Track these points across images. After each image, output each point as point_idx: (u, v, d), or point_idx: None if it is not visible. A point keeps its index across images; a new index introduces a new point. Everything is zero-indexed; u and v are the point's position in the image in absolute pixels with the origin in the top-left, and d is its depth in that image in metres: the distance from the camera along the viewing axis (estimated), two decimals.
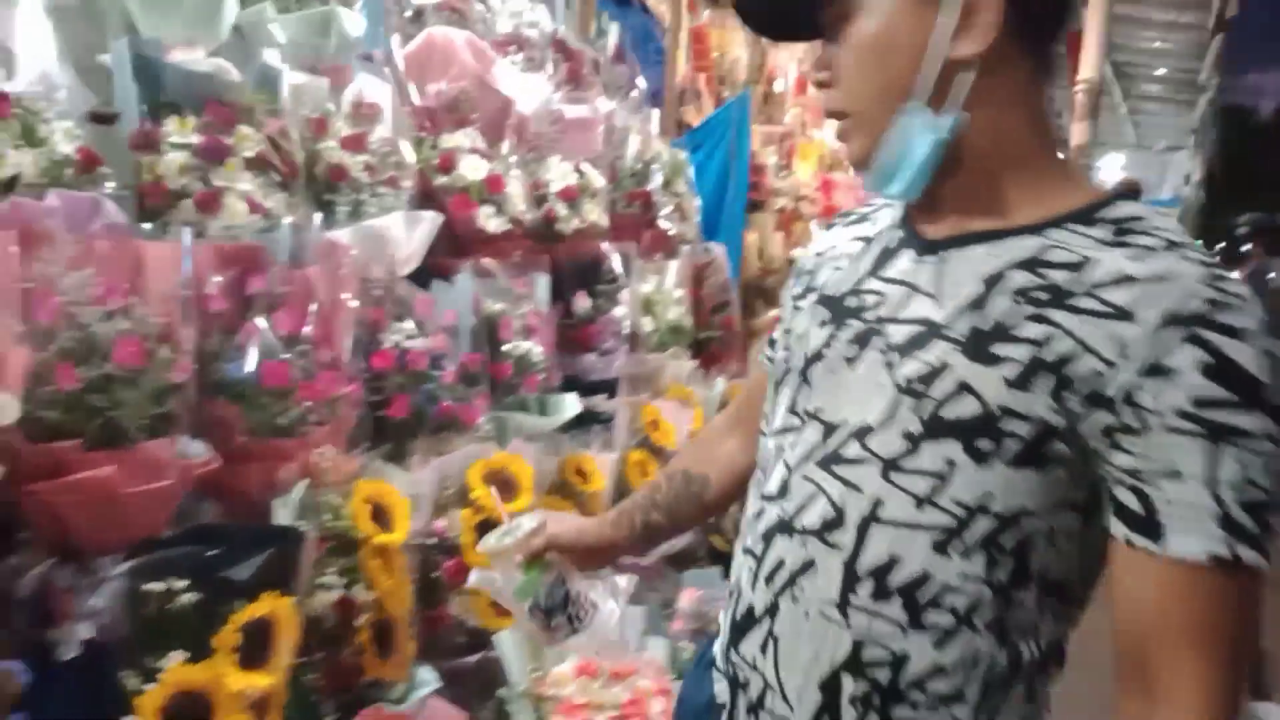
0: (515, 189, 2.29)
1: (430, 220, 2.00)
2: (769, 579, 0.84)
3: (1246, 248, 6.26)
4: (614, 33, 3.24)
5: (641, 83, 3.15)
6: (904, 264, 0.81)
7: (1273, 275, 5.58)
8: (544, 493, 2.10)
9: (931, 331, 0.76)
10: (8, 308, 1.29)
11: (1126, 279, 0.68)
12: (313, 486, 1.56)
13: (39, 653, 1.26)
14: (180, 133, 1.61)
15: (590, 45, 3.09)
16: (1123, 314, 0.68)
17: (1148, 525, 0.68)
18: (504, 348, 2.16)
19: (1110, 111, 12.17)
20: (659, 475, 1.18)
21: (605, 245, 2.60)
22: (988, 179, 0.77)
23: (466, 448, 1.91)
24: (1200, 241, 0.72)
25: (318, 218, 1.74)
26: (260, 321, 1.55)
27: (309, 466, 1.58)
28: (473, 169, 2.20)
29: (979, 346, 0.73)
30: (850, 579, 0.78)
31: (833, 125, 0.87)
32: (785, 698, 0.82)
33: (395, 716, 1.48)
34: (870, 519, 0.77)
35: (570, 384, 2.38)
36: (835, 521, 0.79)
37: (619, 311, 2.57)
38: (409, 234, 1.95)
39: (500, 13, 2.62)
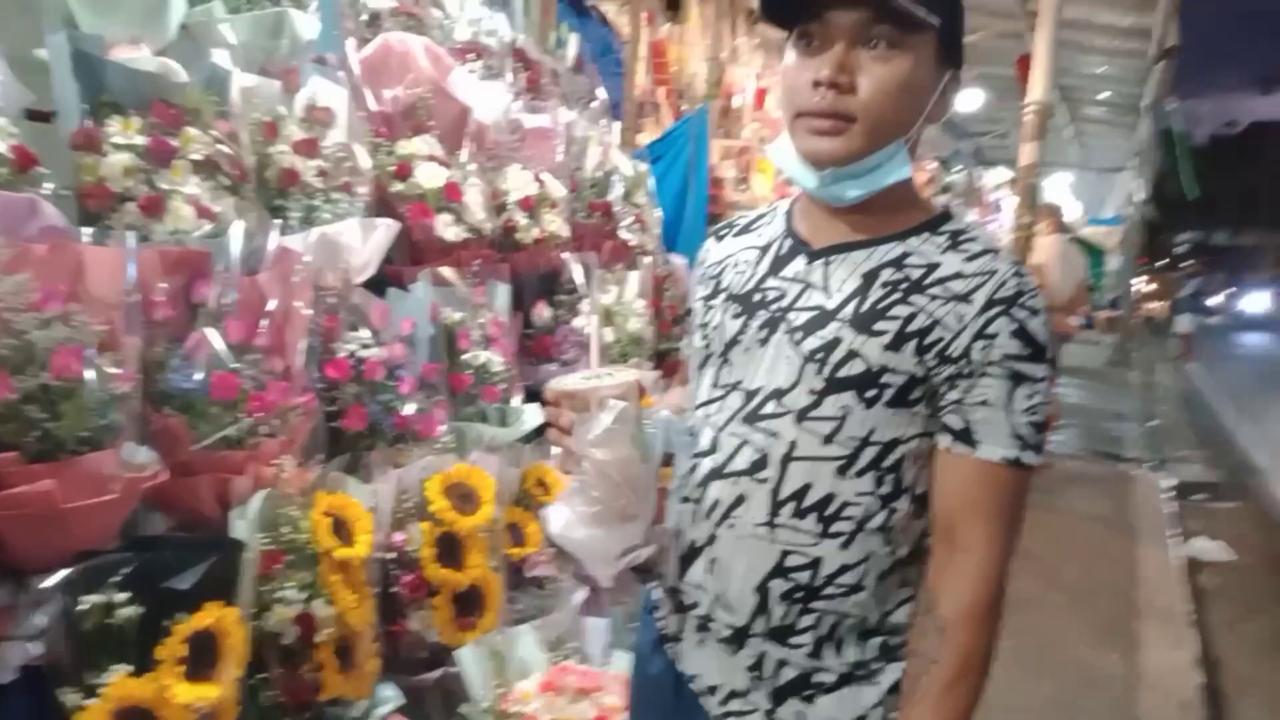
0: (474, 197, 2.25)
1: (386, 227, 1.95)
2: (707, 515, 1.03)
3: (1186, 264, 6.48)
4: (573, 43, 3.21)
5: (602, 93, 3.12)
6: (798, 266, 1.03)
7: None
8: (506, 504, 2.05)
9: (826, 316, 0.98)
10: None
11: (960, 275, 0.95)
12: (270, 498, 1.49)
13: None
14: (124, 133, 1.55)
15: (550, 55, 3.07)
16: (962, 298, 0.93)
17: (965, 437, 0.94)
18: (463, 357, 2.11)
19: (1056, 133, 12.46)
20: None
21: (565, 255, 2.57)
22: (881, 203, 0.98)
23: (425, 459, 1.85)
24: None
25: (276, 225, 1.68)
26: (208, 330, 1.49)
27: (265, 478, 1.52)
28: (430, 176, 2.16)
29: (863, 323, 0.96)
30: (775, 504, 0.98)
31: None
32: (728, 606, 1.02)
33: None
34: (788, 457, 0.98)
35: (532, 395, 2.34)
36: (761, 462, 0.99)
37: (579, 321, 2.53)
38: (364, 241, 1.89)
39: (458, 20, 2.57)
